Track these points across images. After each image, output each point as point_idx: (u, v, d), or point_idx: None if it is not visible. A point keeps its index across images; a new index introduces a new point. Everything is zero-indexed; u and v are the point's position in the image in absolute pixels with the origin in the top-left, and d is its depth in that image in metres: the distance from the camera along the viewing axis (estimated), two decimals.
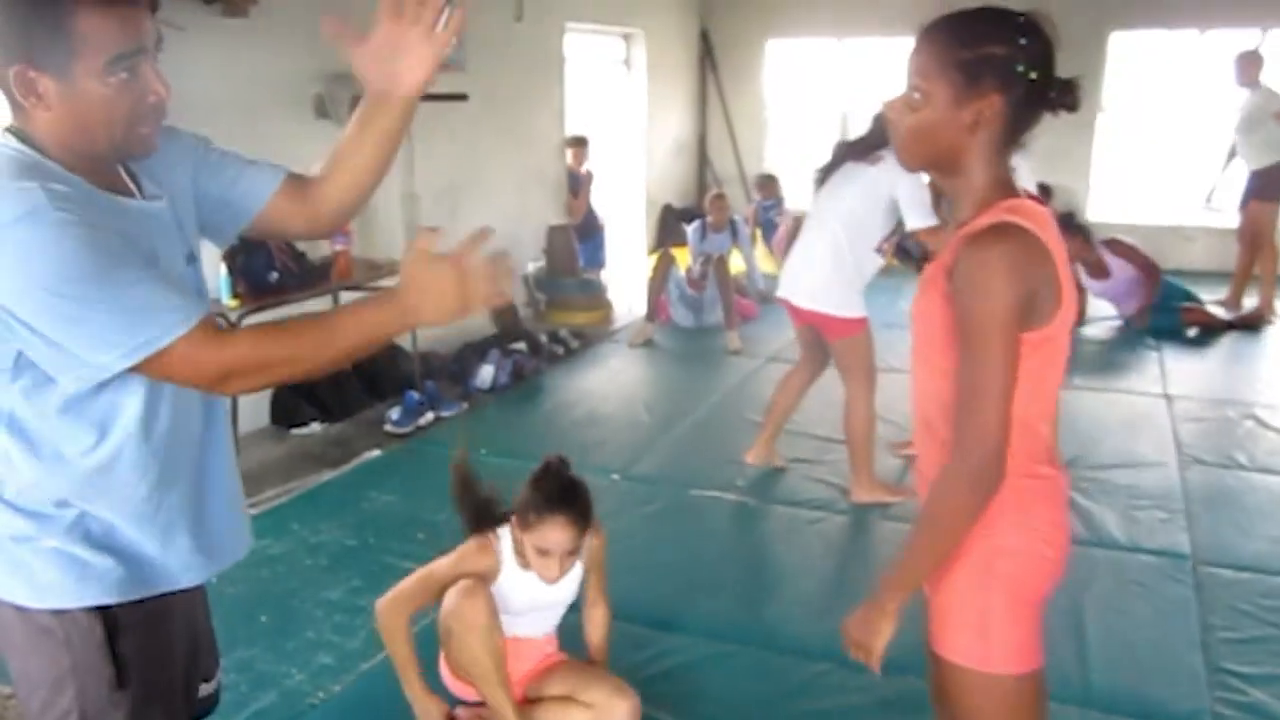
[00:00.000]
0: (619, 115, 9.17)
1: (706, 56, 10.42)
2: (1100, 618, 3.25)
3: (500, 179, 7.01)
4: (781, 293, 4.15)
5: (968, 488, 1.51)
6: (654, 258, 7.47)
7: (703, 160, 10.66)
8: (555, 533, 2.44)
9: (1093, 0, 9.04)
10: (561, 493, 2.48)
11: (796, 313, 4.13)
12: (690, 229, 7.46)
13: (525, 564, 2.53)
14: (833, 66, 10.20)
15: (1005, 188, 1.57)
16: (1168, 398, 5.51)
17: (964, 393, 1.50)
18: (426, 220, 6.15)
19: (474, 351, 5.98)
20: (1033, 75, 1.50)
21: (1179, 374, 5.99)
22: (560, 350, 6.48)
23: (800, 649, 3.11)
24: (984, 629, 1.61)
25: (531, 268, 7.42)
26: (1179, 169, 9.91)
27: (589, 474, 4.38)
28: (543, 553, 2.46)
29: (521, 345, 6.19)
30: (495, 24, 6.75)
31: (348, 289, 5.11)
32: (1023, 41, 1.50)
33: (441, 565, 2.58)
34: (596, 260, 8.09)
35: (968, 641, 1.63)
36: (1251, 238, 7.41)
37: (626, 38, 9.11)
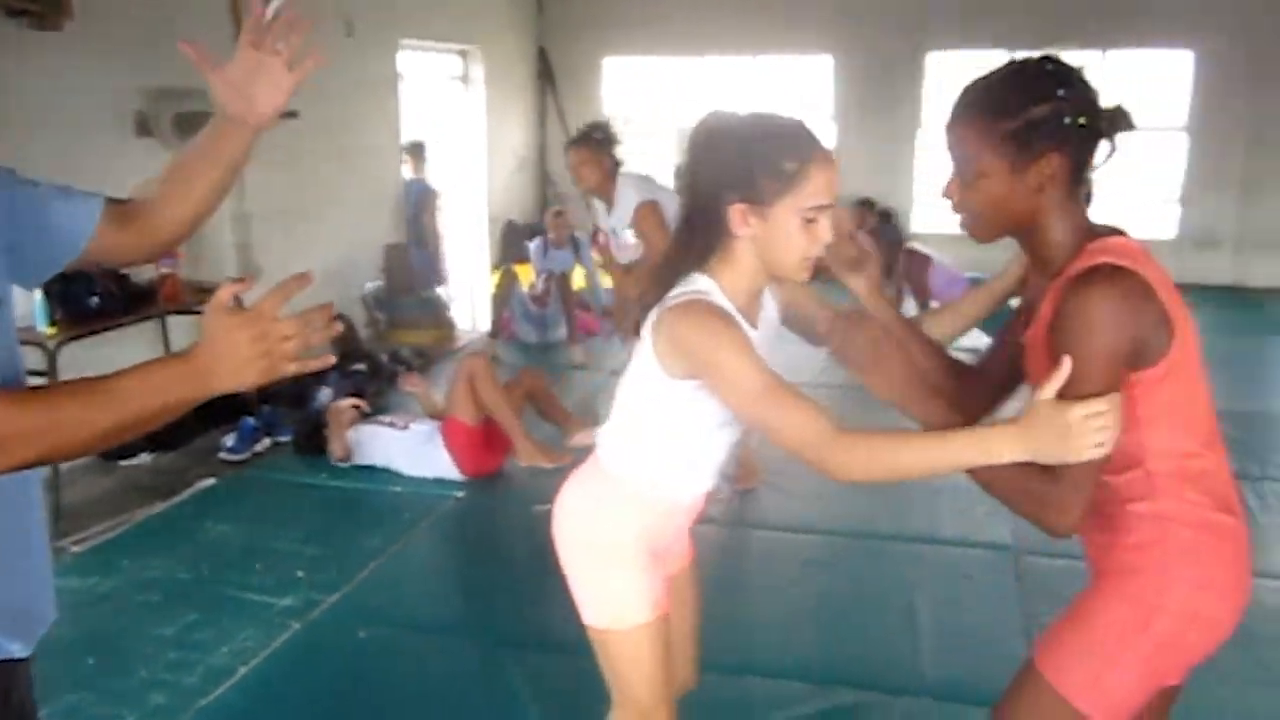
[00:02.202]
0: (459, 132, 9.11)
1: (545, 74, 10.46)
2: (932, 610, 3.41)
3: (336, 198, 6.88)
4: None
5: (1034, 504, 1.47)
6: (497, 275, 7.45)
7: (544, 177, 10.69)
8: (827, 170, 1.65)
9: (911, 24, 9.52)
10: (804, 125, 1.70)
11: None
12: (532, 245, 7.48)
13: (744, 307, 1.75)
14: (670, 85, 10.39)
15: (1088, 230, 1.54)
16: None
17: None
18: (259, 240, 5.99)
19: (312, 374, 5.83)
20: (1082, 121, 1.48)
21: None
22: (402, 370, 6.39)
23: None
24: (1104, 678, 1.57)
25: (370, 287, 7.30)
26: None
27: (432, 490, 4.39)
28: (819, 211, 1.65)
29: (362, 366, 6.08)
30: (326, 40, 6.58)
31: (176, 313, 4.93)
32: (1062, 93, 1.47)
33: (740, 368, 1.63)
34: (435, 276, 7.98)
35: (1082, 680, 1.58)
36: None
37: (463, 54, 9.06)
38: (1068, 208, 1.53)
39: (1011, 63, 1.56)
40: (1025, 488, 1.47)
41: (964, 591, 3.58)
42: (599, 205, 4.78)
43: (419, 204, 7.82)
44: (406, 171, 7.81)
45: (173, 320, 5.24)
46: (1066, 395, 1.42)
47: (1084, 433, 1.39)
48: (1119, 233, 1.54)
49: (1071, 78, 1.49)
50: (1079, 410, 1.39)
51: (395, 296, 7.36)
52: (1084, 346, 1.41)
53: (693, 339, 1.62)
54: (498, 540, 4.22)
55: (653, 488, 1.85)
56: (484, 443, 4.59)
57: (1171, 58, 9.43)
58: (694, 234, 1.70)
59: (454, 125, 9.06)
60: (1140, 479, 1.55)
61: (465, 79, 9.14)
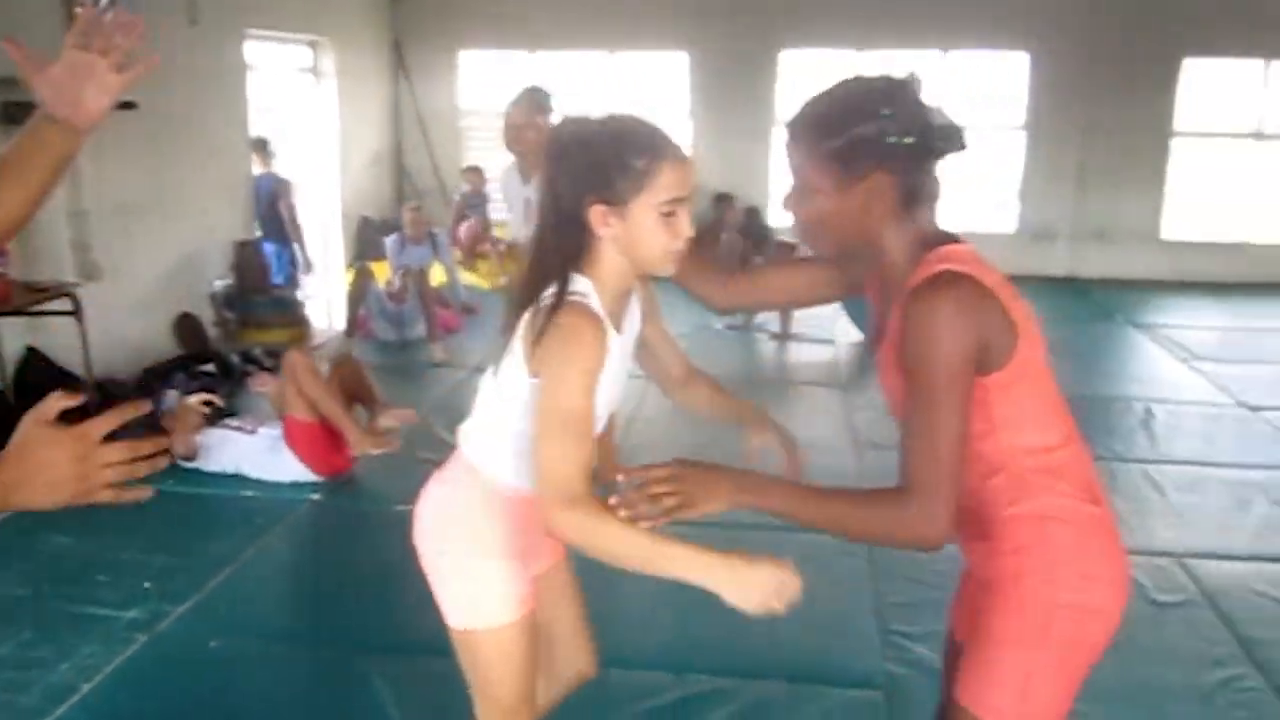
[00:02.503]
0: (310, 125, 8.88)
1: (399, 67, 10.29)
2: None
3: (181, 193, 6.62)
4: None
5: (897, 529, 1.47)
6: (352, 272, 7.31)
7: (399, 171, 10.52)
8: (679, 165, 1.66)
9: (764, 22, 9.72)
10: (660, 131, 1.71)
11: None
12: (389, 242, 7.36)
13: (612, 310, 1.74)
14: (527, 80, 10.33)
15: (926, 242, 1.53)
16: (843, 389, 6.00)
17: (914, 443, 1.44)
18: (98, 238, 5.72)
19: (157, 376, 5.62)
20: (908, 140, 1.48)
21: (849, 366, 6.52)
22: (254, 371, 6.20)
23: None
24: (1026, 691, 1.56)
25: (219, 285, 7.06)
26: None
27: (286, 496, 4.28)
28: (676, 205, 1.66)
29: (210, 367, 5.88)
30: (167, 28, 6.35)
31: (6, 314, 4.68)
32: (886, 112, 1.48)
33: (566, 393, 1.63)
34: (290, 272, 7.77)
35: (1006, 701, 1.57)
36: None
37: (313, 45, 8.84)
38: (902, 223, 1.54)
39: (845, 80, 1.56)
40: (878, 519, 1.49)
41: (818, 576, 3.65)
42: (516, 175, 4.46)
43: (272, 197, 7.60)
44: (256, 167, 7.58)
45: (3, 322, 4.98)
46: (919, 409, 1.44)
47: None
48: (956, 240, 1.55)
49: (899, 96, 1.50)
50: (768, 571, 1.48)
51: (246, 295, 7.12)
52: (930, 356, 1.42)
53: (551, 340, 1.61)
54: (355, 543, 4.15)
55: (513, 482, 1.83)
56: (327, 439, 4.49)
57: (1010, 59, 9.87)
58: (560, 238, 1.70)
59: (305, 119, 8.84)
60: (1008, 482, 1.56)
61: (316, 71, 8.91)
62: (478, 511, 1.87)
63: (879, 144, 1.48)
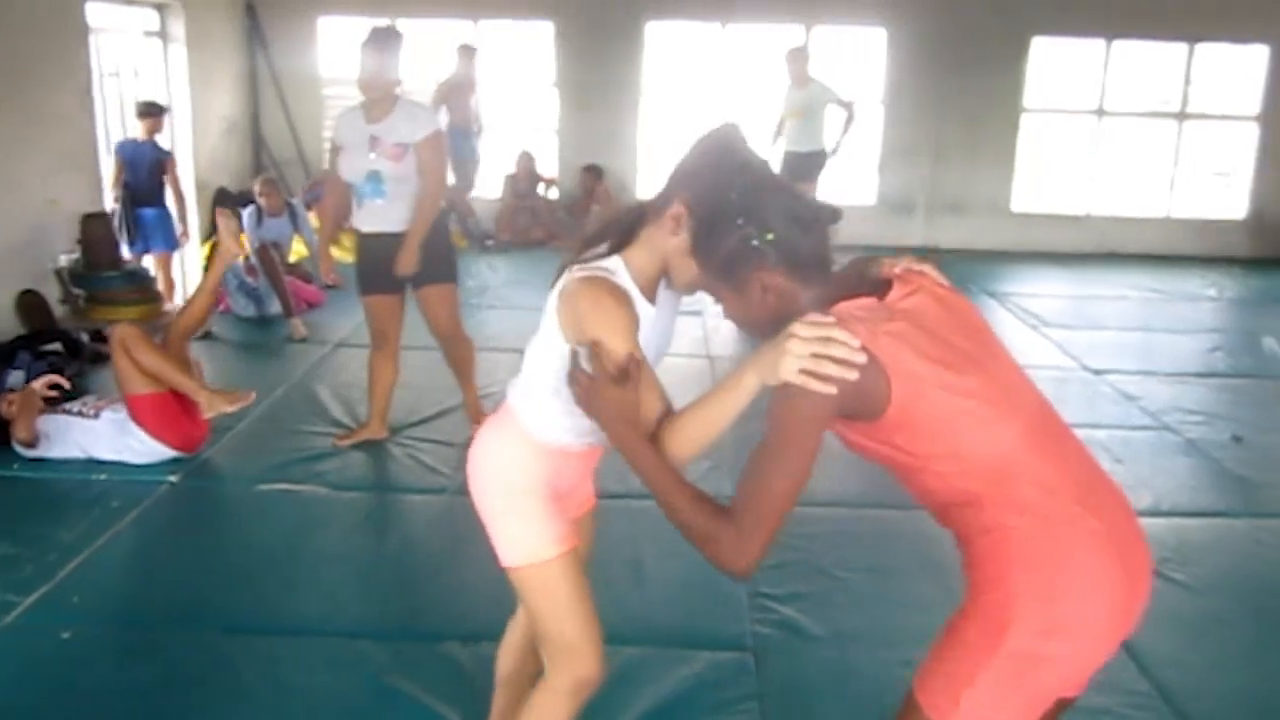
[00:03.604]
0: (159, 93, 8.49)
1: (254, 32, 9.92)
2: (659, 563, 3.55)
3: (17, 164, 6.25)
4: None
5: (709, 547, 1.55)
6: (207, 246, 7.05)
7: (257, 141, 10.16)
8: None
9: None
10: None
11: None
12: (245, 214, 7.11)
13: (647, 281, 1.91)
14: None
15: (825, 301, 1.60)
16: (710, 359, 6.08)
17: (750, 481, 1.53)
18: None
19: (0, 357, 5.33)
20: (769, 236, 1.57)
21: (719, 336, 6.61)
22: (106, 349, 5.94)
23: (387, 634, 3.12)
24: (972, 703, 1.56)
25: (64, 260, 6.71)
26: None
27: (143, 479, 4.13)
28: None
29: (57, 346, 5.60)
30: None
31: None
32: (741, 222, 1.58)
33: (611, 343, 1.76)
34: (169, 242, 7.42)
35: (944, 700, 1.59)
36: None
37: (160, 9, 8.45)
38: (798, 295, 1.61)
39: (710, 194, 1.66)
40: (699, 529, 1.57)
41: (687, 544, 3.73)
42: (359, 115, 4.31)
43: (153, 165, 7.20)
44: (139, 133, 7.16)
45: None
46: (765, 452, 1.53)
47: (790, 352, 1.47)
48: (857, 294, 1.61)
49: (753, 201, 1.60)
50: (794, 329, 1.50)
51: (95, 270, 6.79)
52: (786, 409, 1.52)
53: (585, 312, 1.78)
54: (219, 523, 4.03)
55: (544, 435, 2.01)
56: (178, 408, 4.32)
57: (868, 34, 10.09)
58: (635, 215, 1.89)
59: (153, 85, 8.45)
60: (960, 503, 1.59)
61: (164, 35, 8.53)
62: (520, 458, 2.03)
63: (746, 250, 1.59)
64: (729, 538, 1.52)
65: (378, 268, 4.36)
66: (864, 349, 1.49)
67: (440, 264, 4.42)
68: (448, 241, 4.59)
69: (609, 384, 1.69)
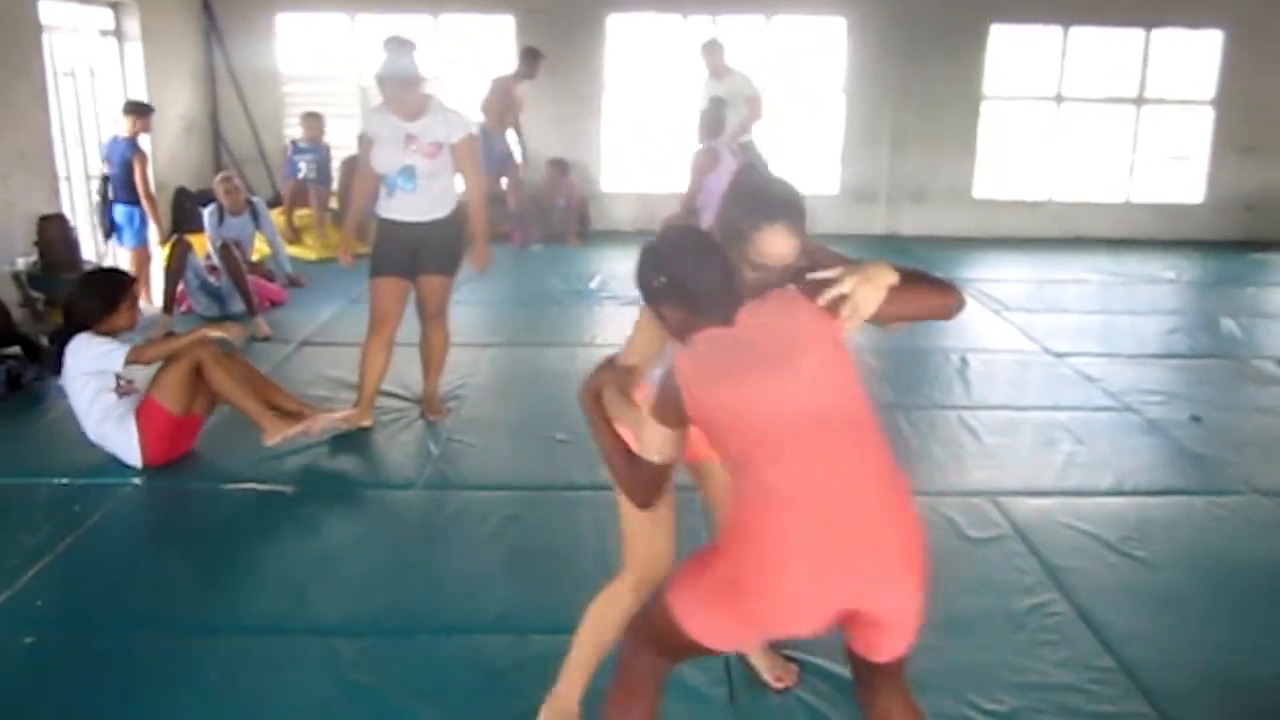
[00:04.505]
0: (115, 91, 8.39)
1: (212, 29, 9.83)
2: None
3: None
4: None
5: (618, 484, 2.21)
6: (168, 246, 6.99)
7: (217, 139, 10.07)
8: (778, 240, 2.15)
9: None
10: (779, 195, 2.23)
11: None
12: (206, 213, 7.06)
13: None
14: (349, 42, 10.03)
15: (700, 328, 2.05)
16: None
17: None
18: None
19: None
20: (662, 280, 2.08)
21: None
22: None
23: (356, 631, 3.12)
24: (683, 598, 2.03)
25: (22, 264, 6.63)
26: (674, 141, 10.86)
27: (105, 481, 4.09)
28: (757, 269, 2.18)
29: (16, 350, 5.53)
30: None
31: None
32: (649, 269, 2.10)
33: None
34: (141, 238, 7.32)
35: (673, 589, 2.05)
36: None
37: (115, 7, 8.35)
38: (688, 325, 2.06)
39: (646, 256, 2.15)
40: (625, 475, 2.16)
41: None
42: (389, 112, 4.50)
43: (126, 162, 7.10)
44: (123, 130, 7.05)
45: None
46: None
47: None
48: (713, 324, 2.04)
49: (658, 255, 2.10)
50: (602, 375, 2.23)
51: (53, 272, 6.71)
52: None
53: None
54: (184, 525, 4.00)
55: None
56: (177, 436, 4.31)
57: (829, 24, 10.13)
58: None
59: (110, 84, 8.34)
60: (730, 473, 2.05)
61: (119, 34, 8.43)
62: None
63: (650, 292, 2.11)
64: (624, 481, 2.18)
65: (397, 252, 4.61)
66: (671, 374, 2.04)
67: (452, 257, 4.71)
68: (461, 237, 4.75)
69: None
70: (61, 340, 4.30)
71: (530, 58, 8.92)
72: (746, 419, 1.95)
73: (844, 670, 2.47)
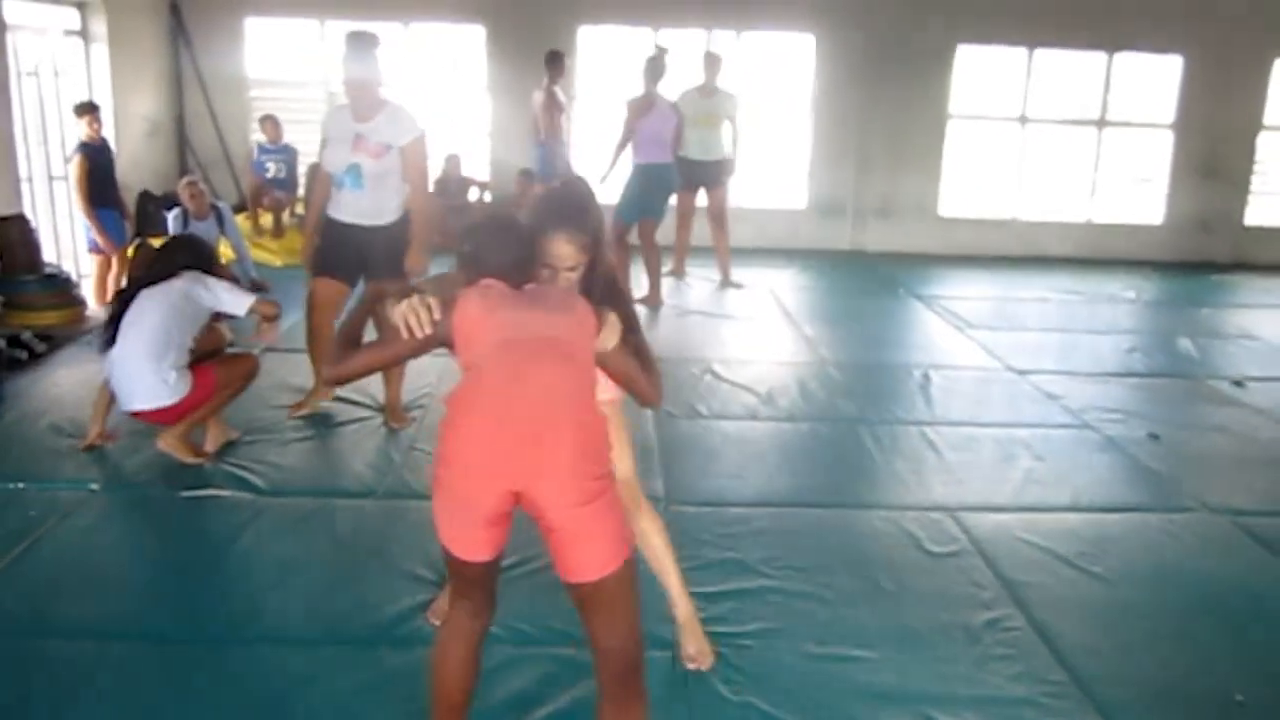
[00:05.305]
0: (79, 93, 8.30)
1: (179, 32, 9.76)
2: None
3: None
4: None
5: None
6: (131, 249, 6.92)
7: (182, 143, 9.99)
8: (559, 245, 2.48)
9: (564, 2, 9.77)
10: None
11: None
12: (170, 217, 7.00)
13: None
14: (318, 48, 9.98)
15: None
16: None
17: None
18: None
19: None
20: (466, 248, 2.41)
21: (649, 338, 6.63)
22: (23, 355, 5.80)
23: (314, 640, 3.10)
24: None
25: None
26: None
27: (62, 487, 4.04)
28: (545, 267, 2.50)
29: None
30: None
31: None
32: (463, 242, 2.42)
33: None
34: (120, 236, 7.29)
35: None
36: (714, 216, 8.40)
37: (81, 7, 8.27)
38: (484, 279, 2.38)
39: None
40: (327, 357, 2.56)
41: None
42: (347, 112, 4.59)
43: (108, 164, 7.08)
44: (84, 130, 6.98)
45: None
46: None
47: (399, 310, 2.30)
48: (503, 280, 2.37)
49: (472, 228, 2.44)
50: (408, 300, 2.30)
51: (12, 274, 6.63)
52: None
53: None
54: (142, 532, 3.95)
55: None
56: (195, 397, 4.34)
57: (797, 40, 10.20)
58: None
59: (74, 85, 8.26)
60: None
61: (85, 34, 8.35)
62: None
63: (458, 255, 2.44)
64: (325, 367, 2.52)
65: (337, 253, 4.68)
66: (450, 307, 2.28)
67: (401, 262, 4.61)
68: (408, 240, 4.70)
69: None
70: (157, 278, 4.32)
71: (554, 60, 8.83)
72: (495, 337, 2.24)
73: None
